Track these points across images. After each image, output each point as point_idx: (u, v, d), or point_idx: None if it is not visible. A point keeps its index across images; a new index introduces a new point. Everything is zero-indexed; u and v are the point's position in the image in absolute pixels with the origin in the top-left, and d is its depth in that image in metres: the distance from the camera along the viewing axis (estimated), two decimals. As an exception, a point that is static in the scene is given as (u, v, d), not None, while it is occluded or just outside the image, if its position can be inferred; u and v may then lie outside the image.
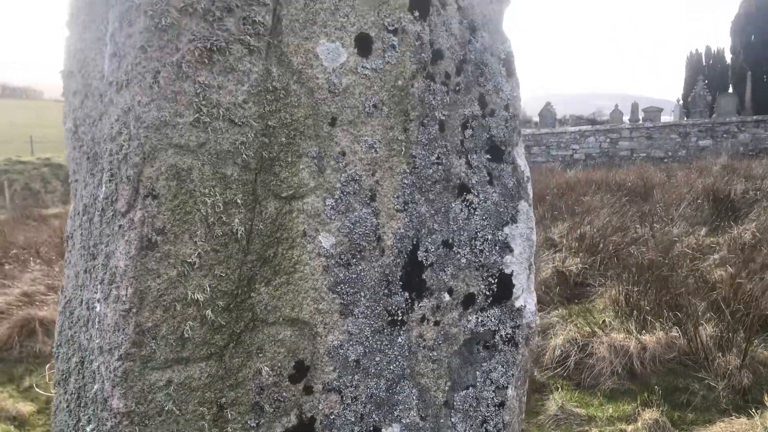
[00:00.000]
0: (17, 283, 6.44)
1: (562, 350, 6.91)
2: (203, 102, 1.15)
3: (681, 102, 25.43)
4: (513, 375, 1.62)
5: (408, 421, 1.43)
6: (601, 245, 8.66)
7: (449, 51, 1.48)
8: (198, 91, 1.14)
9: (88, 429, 1.19)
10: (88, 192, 1.28)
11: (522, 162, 1.64)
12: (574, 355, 6.72)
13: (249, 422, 1.21)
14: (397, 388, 1.42)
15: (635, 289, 6.68)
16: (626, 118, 20.84)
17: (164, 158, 1.12)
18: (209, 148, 1.16)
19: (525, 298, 1.66)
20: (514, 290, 1.63)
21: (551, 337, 7.22)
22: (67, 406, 1.36)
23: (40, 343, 5.10)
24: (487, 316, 1.57)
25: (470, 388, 1.54)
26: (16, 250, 8.16)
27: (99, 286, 1.17)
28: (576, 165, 17.48)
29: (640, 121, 19.24)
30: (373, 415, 1.38)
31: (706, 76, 23.02)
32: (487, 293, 1.57)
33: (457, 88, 1.50)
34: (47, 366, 4.52)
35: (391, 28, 1.38)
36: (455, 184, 1.50)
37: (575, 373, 6.67)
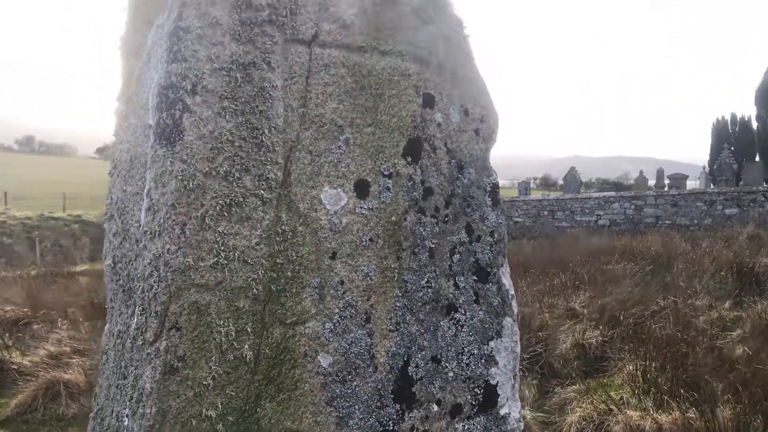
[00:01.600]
0: (44, 343, 6.68)
1: (577, 428, 6.88)
2: (222, 247, 1.37)
3: (707, 169, 25.42)
4: (497, 478, 1.76)
5: None
6: (622, 317, 8.67)
7: (439, 188, 1.69)
8: (218, 239, 1.37)
9: None
10: (122, 320, 1.50)
11: (507, 281, 1.82)
12: (580, 436, 6.68)
13: None
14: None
15: (653, 365, 6.70)
16: (652, 182, 20.88)
17: (187, 296, 1.33)
18: (225, 286, 1.38)
19: (510, 405, 1.82)
20: (499, 399, 1.79)
21: (568, 413, 7.20)
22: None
23: (63, 406, 5.29)
24: (473, 424, 1.73)
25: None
26: (45, 309, 8.46)
27: (128, 403, 1.37)
28: (601, 231, 17.51)
29: (666, 188, 19.28)
30: None
31: (732, 143, 23.06)
32: (473, 403, 1.74)
33: (446, 219, 1.71)
34: (71, 434, 4.69)
35: (386, 172, 1.60)
36: (444, 304, 1.69)
37: (561, 457, 6.62)
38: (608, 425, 6.18)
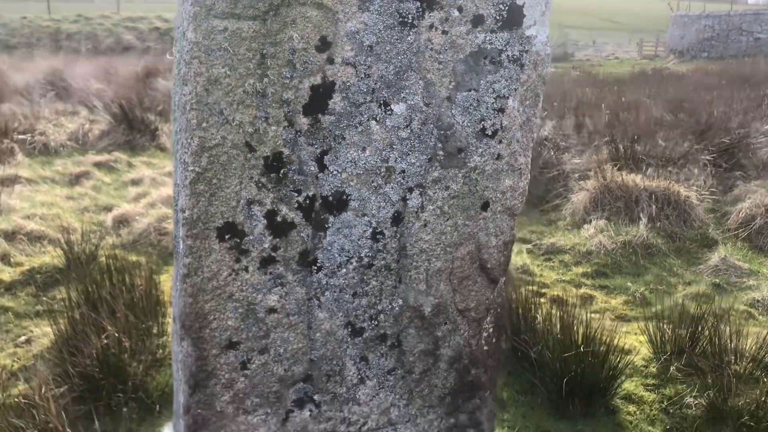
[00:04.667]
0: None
1: (747, 213, 6.60)
2: None
3: None
4: (516, 89, 1.98)
5: (413, 103, 1.90)
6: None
7: None
8: None
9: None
10: None
11: None
12: (760, 218, 6.39)
13: (284, 73, 1.78)
14: (405, 75, 1.88)
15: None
16: None
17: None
18: None
19: (537, 29, 1.98)
20: (525, 20, 1.96)
21: (741, 201, 6.89)
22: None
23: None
24: (495, 37, 1.94)
25: (472, 90, 1.95)
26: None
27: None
28: None
29: None
30: (383, 92, 1.88)
31: None
32: (497, 17, 1.93)
33: None
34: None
35: None
36: None
37: (756, 236, 6.41)
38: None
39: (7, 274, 5.23)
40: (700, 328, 3.99)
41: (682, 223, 6.74)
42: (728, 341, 3.87)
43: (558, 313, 3.83)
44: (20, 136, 9.50)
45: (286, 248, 1.90)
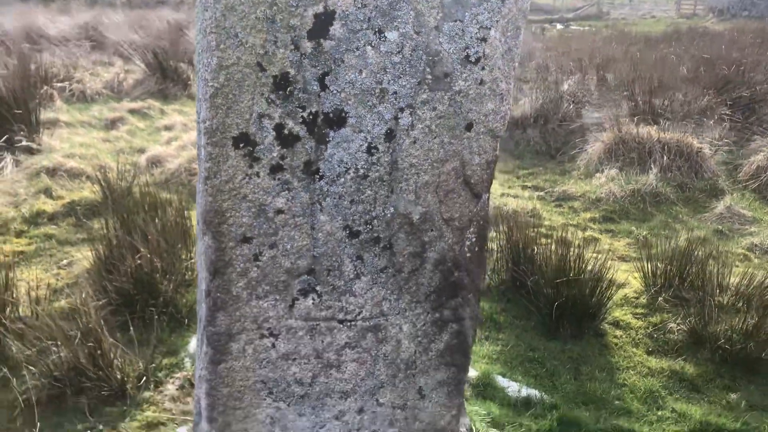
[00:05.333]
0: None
1: (759, 165, 6.74)
2: None
3: None
4: (497, 21, 2.23)
5: (404, 31, 2.17)
6: None
7: None
8: None
9: None
10: None
11: None
12: (770, 171, 6.54)
13: (291, 2, 2.04)
14: (397, 6, 2.14)
15: None
16: None
17: None
18: None
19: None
20: (507, -40, 2.20)
21: (755, 155, 7.02)
22: None
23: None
24: (479, -26, 2.19)
25: (458, 21, 2.21)
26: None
27: None
28: None
29: None
30: (378, 20, 2.14)
31: None
32: (481, -44, 2.17)
33: None
34: None
35: None
36: None
37: (765, 188, 6.56)
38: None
39: (49, 205, 5.67)
40: (689, 265, 4.24)
41: (693, 174, 6.91)
42: (715, 277, 4.12)
43: (554, 247, 4.11)
44: (59, 84, 9.92)
45: (292, 158, 2.21)
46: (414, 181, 2.35)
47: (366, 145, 2.27)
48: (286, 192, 2.24)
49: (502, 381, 3.38)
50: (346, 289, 2.40)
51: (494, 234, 4.79)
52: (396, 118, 2.26)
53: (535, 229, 5.15)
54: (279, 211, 2.25)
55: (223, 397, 2.38)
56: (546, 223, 5.94)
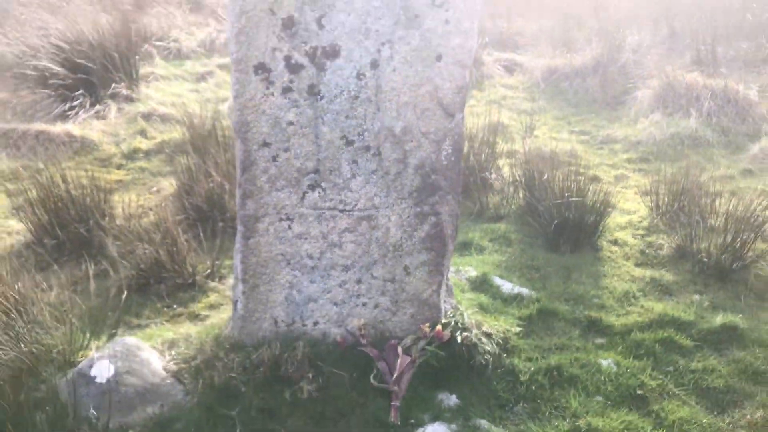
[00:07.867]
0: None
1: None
2: None
3: None
4: (458, -28, 2.83)
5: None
6: None
7: None
8: None
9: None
10: None
11: None
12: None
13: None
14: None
15: None
16: None
17: None
18: None
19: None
20: None
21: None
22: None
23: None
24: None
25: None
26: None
27: None
28: None
29: None
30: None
31: None
32: None
33: None
34: None
35: None
36: None
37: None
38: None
39: (144, 144, 6.69)
40: (685, 193, 4.66)
41: (740, 119, 7.08)
42: (711, 202, 4.53)
43: (560, 175, 4.64)
44: (157, 43, 11.05)
45: (298, 82, 2.92)
46: (396, 101, 3.01)
47: (356, 72, 2.94)
48: (295, 108, 2.96)
49: (498, 281, 4.01)
50: (345, 186, 3.11)
51: (520, 171, 5.33)
52: (378, 51, 2.92)
53: (570, 168, 5.64)
54: (290, 123, 2.98)
55: (252, 264, 3.17)
56: (582, 162, 6.37)
